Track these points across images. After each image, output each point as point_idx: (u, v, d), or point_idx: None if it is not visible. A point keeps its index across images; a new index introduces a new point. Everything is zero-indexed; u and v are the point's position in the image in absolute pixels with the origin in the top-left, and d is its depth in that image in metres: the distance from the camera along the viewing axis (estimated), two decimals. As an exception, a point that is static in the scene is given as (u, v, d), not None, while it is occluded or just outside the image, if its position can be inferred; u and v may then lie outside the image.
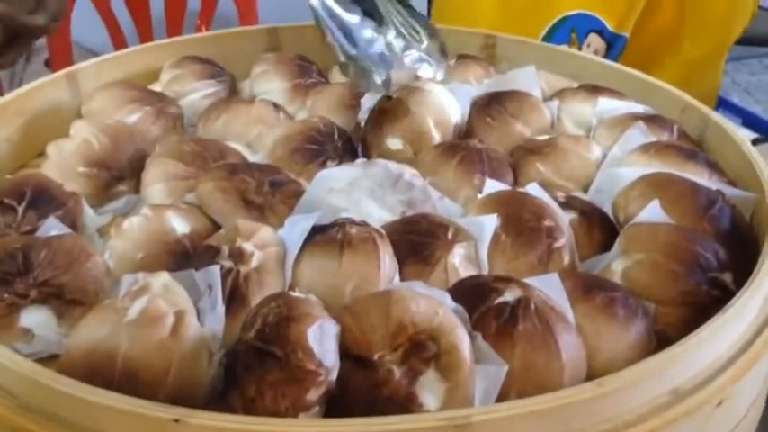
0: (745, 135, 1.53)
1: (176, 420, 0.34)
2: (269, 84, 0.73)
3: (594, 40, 1.04)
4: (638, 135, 0.58)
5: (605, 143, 0.60)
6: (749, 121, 1.57)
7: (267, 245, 0.46)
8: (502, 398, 0.37)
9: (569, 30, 1.05)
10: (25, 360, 0.38)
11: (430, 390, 0.37)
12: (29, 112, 0.65)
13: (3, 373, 0.37)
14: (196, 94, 0.71)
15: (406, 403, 0.36)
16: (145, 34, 1.81)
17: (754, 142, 1.41)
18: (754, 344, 0.42)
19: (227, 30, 0.82)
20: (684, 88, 1.03)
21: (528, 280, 0.42)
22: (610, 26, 1.02)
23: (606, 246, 0.50)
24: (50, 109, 0.67)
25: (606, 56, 1.04)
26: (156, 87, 0.71)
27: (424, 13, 0.62)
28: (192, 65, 0.73)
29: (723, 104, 1.63)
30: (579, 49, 1.05)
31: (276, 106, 0.67)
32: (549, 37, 1.06)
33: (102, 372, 0.38)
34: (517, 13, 1.05)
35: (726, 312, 0.41)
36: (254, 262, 0.45)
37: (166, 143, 0.61)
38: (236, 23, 1.79)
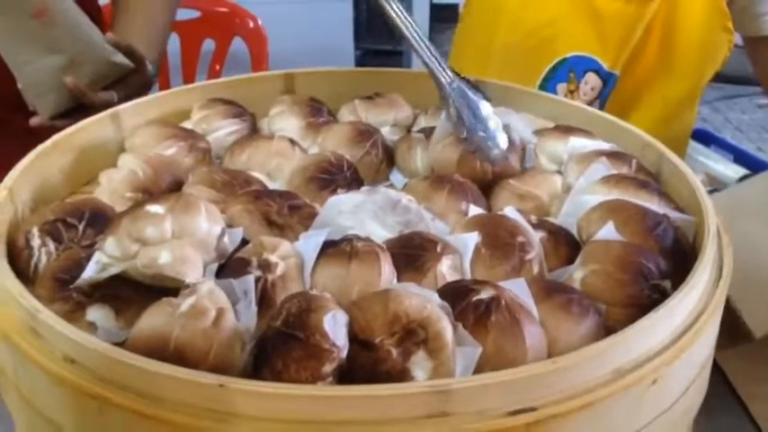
0: (736, 170, 1.62)
1: (221, 386, 0.44)
2: (285, 122, 0.83)
3: (591, 78, 1.15)
4: (602, 168, 0.68)
5: (574, 175, 0.70)
6: (740, 157, 1.65)
7: (288, 256, 0.56)
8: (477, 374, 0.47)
9: (568, 70, 1.16)
10: (100, 341, 0.47)
11: (420, 366, 0.46)
12: (79, 147, 0.75)
13: (83, 351, 0.47)
14: (222, 131, 0.81)
15: (401, 376, 0.46)
16: (161, 73, 1.93)
17: (744, 177, 1.50)
18: (683, 336, 0.51)
19: (249, 75, 0.92)
20: (664, 124, 1.14)
21: (500, 283, 0.52)
22: (605, 65, 1.14)
23: (571, 260, 0.60)
24: (97, 144, 0.77)
25: (602, 92, 1.15)
26: (188, 125, 0.81)
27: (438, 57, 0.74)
28: (218, 106, 0.83)
29: (715, 141, 1.72)
30: (577, 86, 1.16)
31: (292, 142, 0.77)
32: (549, 76, 1.17)
33: (158, 351, 0.47)
34: (521, 55, 1.16)
35: (659, 311, 0.50)
36: (278, 271, 0.55)
37: (199, 173, 0.71)
38: (247, 63, 1.92)
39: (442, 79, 0.74)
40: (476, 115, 0.72)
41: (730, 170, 1.54)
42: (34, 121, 0.90)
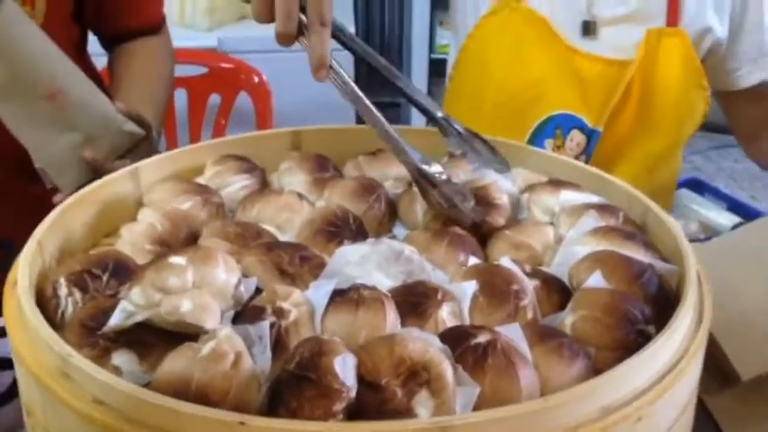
0: (729, 218, 1.66)
1: (242, 423, 0.48)
2: (293, 177, 0.88)
3: (576, 135, 1.22)
4: (591, 221, 0.73)
5: (565, 227, 0.75)
6: (733, 206, 1.70)
7: (300, 304, 0.60)
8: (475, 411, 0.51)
9: (555, 127, 1.22)
10: (128, 384, 0.51)
11: (423, 405, 0.50)
12: (100, 201, 0.79)
13: (111, 392, 0.51)
14: (234, 186, 0.85)
15: (405, 414, 0.50)
16: (169, 126, 1.99)
17: (738, 225, 1.55)
18: (666, 377, 0.55)
19: (258, 132, 0.98)
20: (647, 175, 1.20)
21: (497, 328, 0.56)
22: (588, 123, 1.20)
23: (563, 306, 0.64)
24: (117, 198, 0.81)
25: (586, 147, 1.21)
26: (201, 180, 0.86)
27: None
28: (230, 162, 0.88)
29: (708, 190, 1.77)
30: (563, 142, 1.22)
31: (300, 196, 0.82)
32: (537, 132, 1.23)
33: (181, 392, 0.51)
34: (510, 114, 1.23)
35: (643, 353, 0.55)
36: (291, 317, 0.59)
37: (213, 226, 0.76)
38: (252, 117, 1.98)
39: (405, 161, 0.78)
40: (440, 193, 0.76)
41: (724, 218, 1.58)
42: (57, 198, 0.94)
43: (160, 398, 0.50)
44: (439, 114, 0.88)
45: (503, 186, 0.81)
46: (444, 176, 0.76)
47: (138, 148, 1.00)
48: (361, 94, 0.78)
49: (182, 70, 1.78)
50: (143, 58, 1.23)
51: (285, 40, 0.75)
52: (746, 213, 1.60)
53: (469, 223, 0.75)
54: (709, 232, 1.53)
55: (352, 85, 0.78)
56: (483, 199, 0.78)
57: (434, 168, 0.76)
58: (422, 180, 0.77)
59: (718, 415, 0.79)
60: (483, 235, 0.76)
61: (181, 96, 1.98)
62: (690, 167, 3.63)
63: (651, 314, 0.61)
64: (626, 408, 0.52)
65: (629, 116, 1.18)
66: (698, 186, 1.72)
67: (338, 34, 0.84)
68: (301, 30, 0.75)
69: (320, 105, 2.37)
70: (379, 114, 0.78)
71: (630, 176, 1.17)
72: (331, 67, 0.77)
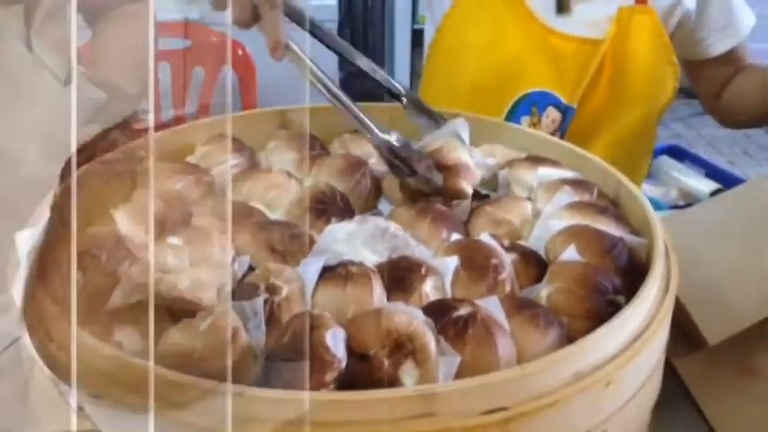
0: (708, 184, 1.69)
1: (240, 394, 0.51)
2: (281, 155, 0.90)
3: (552, 111, 1.25)
4: (566, 196, 0.77)
5: (543, 202, 0.78)
6: (712, 172, 1.74)
7: (292, 281, 0.64)
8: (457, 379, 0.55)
9: (531, 104, 1.26)
10: (134, 358, 0.55)
11: (408, 374, 0.54)
12: (94, 183, 0.83)
13: (120, 367, 0.55)
14: (224, 165, 0.89)
15: (392, 383, 0.54)
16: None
17: (716, 191, 1.59)
18: (633, 345, 0.60)
19: (247, 112, 1.00)
20: (621, 147, 1.24)
21: (477, 301, 0.60)
22: (563, 100, 1.23)
23: (540, 278, 0.68)
24: (110, 179, 0.84)
25: (561, 123, 1.25)
26: (192, 160, 0.89)
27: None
28: (219, 141, 0.91)
29: (688, 157, 1.80)
30: (539, 119, 1.26)
31: (288, 174, 0.85)
32: (513, 110, 1.26)
33: (182, 365, 0.55)
34: (487, 91, 1.26)
35: (613, 322, 0.59)
36: (283, 293, 0.62)
37: (206, 205, 0.79)
38: (236, 91, 1.99)
39: (370, 137, 0.81)
40: (405, 164, 0.79)
41: (703, 185, 1.63)
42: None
43: (166, 371, 0.53)
44: (401, 90, 0.91)
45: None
46: (402, 143, 0.80)
47: (108, 112, 1.00)
48: (321, 73, 0.80)
49: (164, 43, 1.78)
50: (122, 23, 1.24)
51: (242, 26, 0.78)
52: (724, 179, 1.64)
53: (434, 188, 0.79)
54: (688, 199, 1.57)
55: (311, 64, 0.80)
56: (438, 162, 0.82)
57: (393, 136, 0.80)
58: (383, 149, 0.80)
59: (687, 377, 0.83)
60: (450, 197, 0.80)
61: (164, 69, 1.98)
62: (670, 134, 3.69)
63: (621, 285, 0.65)
64: (596, 373, 0.56)
65: (601, 92, 1.22)
66: (678, 153, 1.76)
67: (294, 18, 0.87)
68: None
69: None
70: (340, 92, 0.81)
71: (604, 150, 1.21)
72: (287, 46, 0.79)
